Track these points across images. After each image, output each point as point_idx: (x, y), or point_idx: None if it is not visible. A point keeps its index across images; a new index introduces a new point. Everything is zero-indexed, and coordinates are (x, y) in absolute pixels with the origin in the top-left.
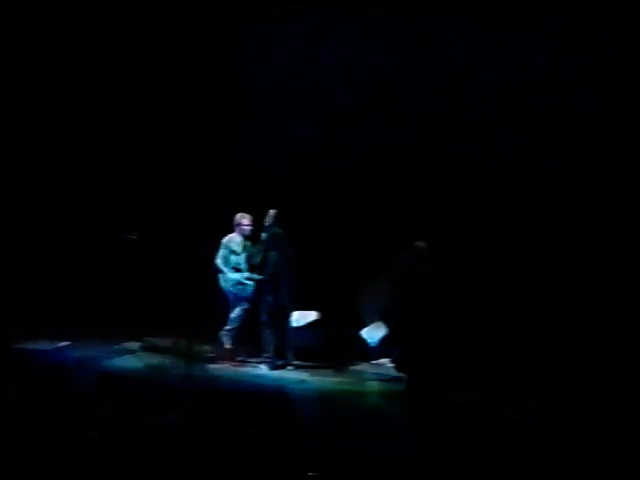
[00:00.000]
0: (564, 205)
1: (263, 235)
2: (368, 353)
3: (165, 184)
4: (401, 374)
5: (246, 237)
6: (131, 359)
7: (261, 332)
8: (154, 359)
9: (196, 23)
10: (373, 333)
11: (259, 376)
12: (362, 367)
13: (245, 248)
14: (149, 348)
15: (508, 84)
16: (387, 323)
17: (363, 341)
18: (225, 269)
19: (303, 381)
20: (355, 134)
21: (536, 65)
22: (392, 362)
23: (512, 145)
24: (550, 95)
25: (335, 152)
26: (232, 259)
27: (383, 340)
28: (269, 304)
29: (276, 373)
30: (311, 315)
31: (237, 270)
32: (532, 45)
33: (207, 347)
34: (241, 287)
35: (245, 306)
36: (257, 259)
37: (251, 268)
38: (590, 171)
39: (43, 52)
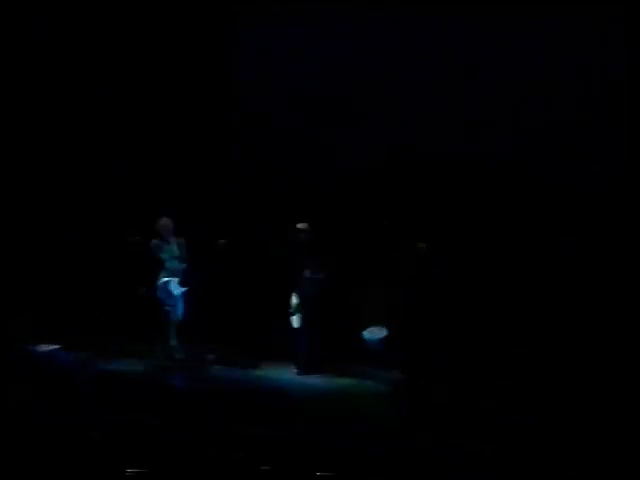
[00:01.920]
0: (564, 205)
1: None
2: (369, 354)
3: (165, 184)
4: (402, 375)
5: (166, 240)
6: (131, 361)
7: (296, 336)
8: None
9: (196, 23)
10: (374, 334)
11: (260, 377)
12: (363, 368)
13: (170, 252)
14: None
15: (508, 84)
16: (388, 324)
17: (364, 342)
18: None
19: (304, 382)
20: (355, 134)
21: (536, 65)
22: (393, 363)
23: (512, 145)
24: (550, 95)
25: (335, 152)
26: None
27: (384, 341)
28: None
29: (278, 374)
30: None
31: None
32: (532, 45)
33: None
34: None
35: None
36: None
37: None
38: (590, 171)
39: (43, 52)
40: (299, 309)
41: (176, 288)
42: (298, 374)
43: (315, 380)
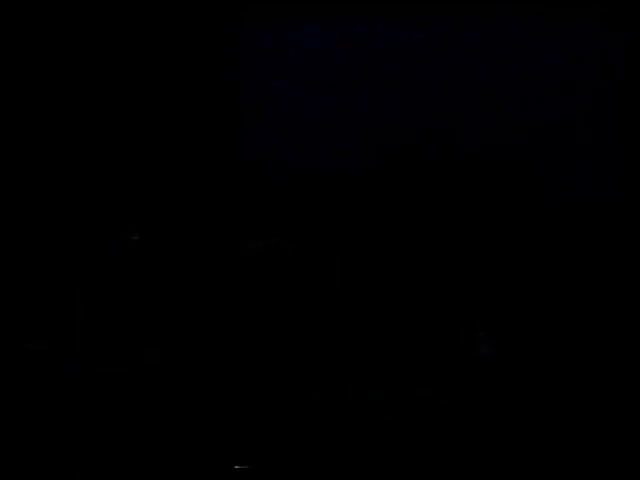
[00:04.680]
0: (563, 205)
1: None
2: None
3: (168, 185)
4: None
5: None
6: None
7: None
8: None
9: (200, 24)
10: None
11: None
12: None
13: None
14: None
15: (507, 84)
16: None
17: None
18: None
19: None
20: (356, 133)
21: (535, 65)
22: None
23: (512, 145)
24: (550, 95)
25: (337, 152)
26: None
27: None
28: None
29: None
30: None
31: None
32: (531, 44)
33: None
34: None
35: None
36: None
37: None
38: (589, 172)
39: (43, 52)
40: None
41: None
42: None
43: None
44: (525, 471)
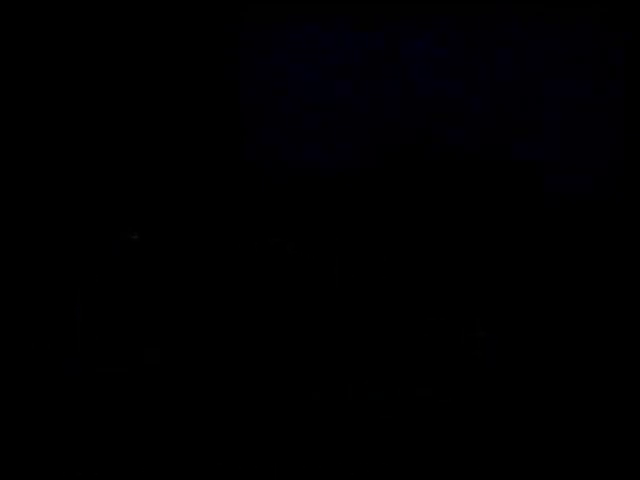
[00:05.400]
0: (563, 205)
1: None
2: None
3: (168, 185)
4: None
5: None
6: None
7: None
8: None
9: (201, 24)
10: None
11: None
12: None
13: None
14: None
15: (507, 84)
16: None
17: None
18: None
19: None
20: (356, 133)
21: (534, 64)
22: None
23: (512, 144)
24: (549, 95)
25: (338, 151)
26: None
27: None
28: None
29: None
30: None
31: None
32: (531, 44)
33: None
34: None
35: None
36: None
37: None
38: (589, 172)
39: (44, 53)
40: None
41: None
42: None
43: None
44: (524, 469)
